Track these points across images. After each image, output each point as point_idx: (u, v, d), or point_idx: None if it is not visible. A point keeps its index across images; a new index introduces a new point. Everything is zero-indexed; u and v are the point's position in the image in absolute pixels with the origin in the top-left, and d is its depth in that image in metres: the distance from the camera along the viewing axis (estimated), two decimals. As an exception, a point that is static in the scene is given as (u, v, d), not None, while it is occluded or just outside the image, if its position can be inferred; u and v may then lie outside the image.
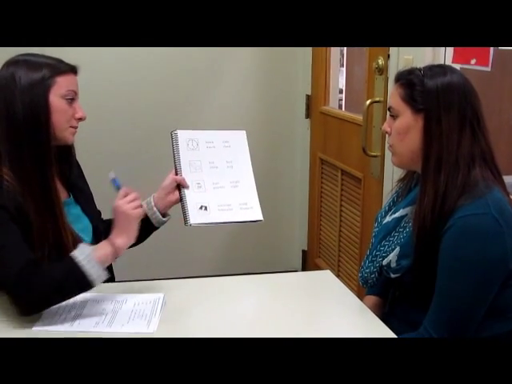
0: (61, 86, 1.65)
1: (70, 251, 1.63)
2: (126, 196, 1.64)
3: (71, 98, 1.68)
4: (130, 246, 2.02)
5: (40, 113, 1.62)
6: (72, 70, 1.70)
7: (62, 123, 1.67)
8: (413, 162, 1.63)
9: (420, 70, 1.61)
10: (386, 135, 1.70)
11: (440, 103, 1.54)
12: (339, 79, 3.62)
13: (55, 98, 1.65)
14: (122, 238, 1.58)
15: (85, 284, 1.51)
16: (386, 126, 1.67)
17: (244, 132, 1.95)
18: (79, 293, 1.55)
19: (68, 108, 1.68)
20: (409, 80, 1.59)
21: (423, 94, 1.56)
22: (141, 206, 1.65)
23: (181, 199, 1.84)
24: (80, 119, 1.72)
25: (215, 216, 1.81)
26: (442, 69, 1.61)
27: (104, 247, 1.57)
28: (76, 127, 1.73)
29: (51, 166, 1.65)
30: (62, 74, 1.66)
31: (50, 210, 1.64)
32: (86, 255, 1.51)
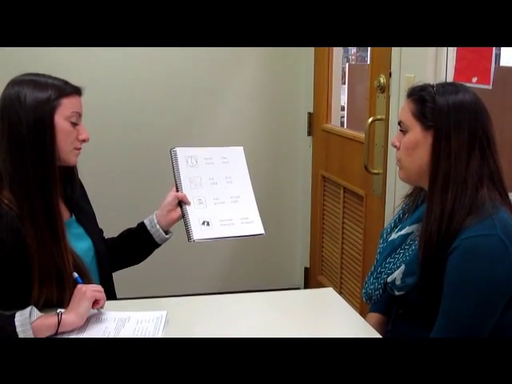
0: (66, 107, 1.65)
1: (71, 274, 1.64)
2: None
3: (75, 120, 1.68)
4: (133, 264, 2.04)
5: (45, 133, 1.61)
6: (77, 91, 1.70)
7: (66, 145, 1.67)
8: (420, 178, 1.63)
9: (433, 86, 1.61)
10: (392, 151, 1.70)
11: (450, 122, 1.54)
12: (341, 97, 3.63)
13: (60, 120, 1.64)
14: (70, 314, 1.55)
15: (9, 336, 1.47)
16: (395, 141, 1.67)
17: (241, 148, 1.97)
18: None
19: (72, 130, 1.67)
20: (421, 96, 1.60)
21: (434, 111, 1.56)
22: (101, 293, 1.62)
23: (183, 216, 1.85)
24: (84, 141, 1.72)
25: (218, 231, 1.82)
26: (455, 87, 1.61)
27: (49, 318, 1.53)
28: (79, 149, 1.72)
29: (56, 186, 1.64)
30: (67, 95, 1.66)
31: (52, 233, 1.62)
32: (24, 318, 1.48)
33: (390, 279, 1.66)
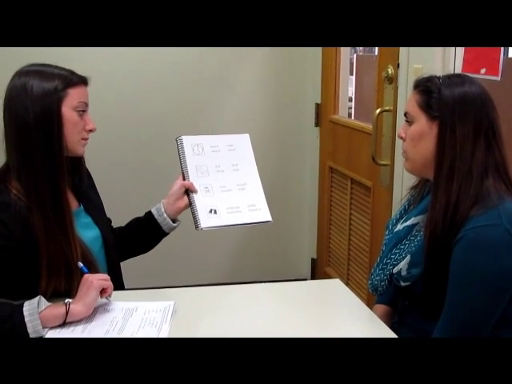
0: (73, 97, 1.65)
1: (77, 253, 1.64)
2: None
3: (82, 110, 1.68)
4: (141, 253, 2.05)
5: (53, 123, 1.61)
6: (83, 81, 1.70)
7: (73, 135, 1.67)
8: (425, 169, 1.63)
9: (439, 78, 1.61)
10: (400, 142, 1.70)
11: (455, 113, 1.54)
12: (349, 88, 3.63)
13: (67, 110, 1.64)
14: (78, 304, 1.55)
15: (19, 331, 1.47)
16: (400, 132, 1.67)
17: (247, 135, 1.97)
18: (11, 337, 1.47)
19: (79, 120, 1.68)
20: (426, 87, 1.60)
21: (439, 101, 1.56)
22: (108, 281, 1.62)
23: (190, 204, 1.85)
24: (90, 131, 1.72)
25: (225, 219, 1.82)
26: (461, 79, 1.61)
27: (57, 308, 1.53)
28: (87, 139, 1.73)
29: (64, 177, 1.64)
30: (73, 85, 1.66)
31: (60, 223, 1.63)
32: (33, 307, 1.49)
33: (395, 270, 1.66)
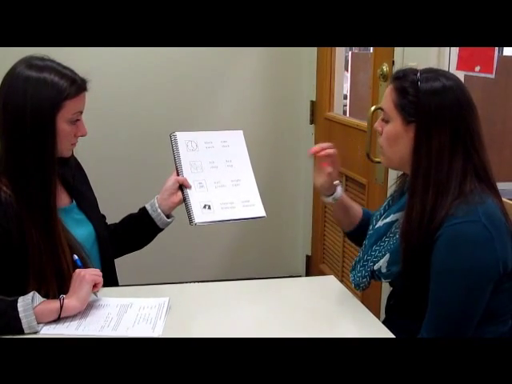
0: (68, 110, 1.62)
1: (67, 261, 1.64)
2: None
3: (76, 119, 1.66)
4: (136, 249, 2.04)
5: (47, 136, 1.60)
6: (84, 89, 1.67)
7: (63, 144, 1.66)
8: (402, 166, 1.64)
9: (416, 73, 1.56)
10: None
11: (432, 120, 1.51)
12: (344, 85, 3.63)
13: (61, 123, 1.62)
14: (72, 299, 1.55)
15: (13, 327, 1.47)
16: (377, 125, 1.65)
17: (241, 132, 1.98)
18: (6, 333, 1.46)
19: (71, 129, 1.66)
20: (403, 87, 1.56)
21: (415, 106, 1.53)
22: (100, 277, 1.62)
23: (184, 199, 1.86)
24: (81, 135, 1.71)
25: (219, 214, 1.83)
26: (438, 80, 1.53)
27: (51, 303, 1.53)
28: (75, 143, 1.71)
29: (54, 175, 1.63)
30: (71, 97, 1.62)
31: (47, 221, 1.62)
32: (27, 303, 1.48)
33: (376, 267, 1.67)
